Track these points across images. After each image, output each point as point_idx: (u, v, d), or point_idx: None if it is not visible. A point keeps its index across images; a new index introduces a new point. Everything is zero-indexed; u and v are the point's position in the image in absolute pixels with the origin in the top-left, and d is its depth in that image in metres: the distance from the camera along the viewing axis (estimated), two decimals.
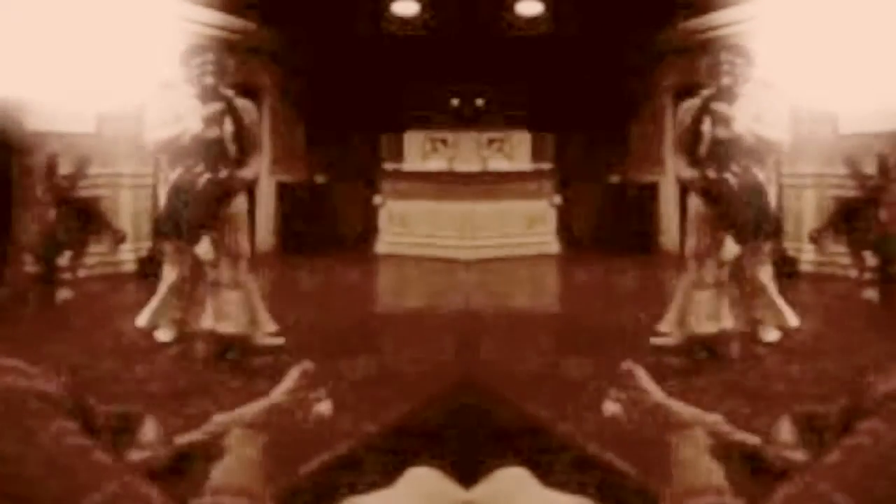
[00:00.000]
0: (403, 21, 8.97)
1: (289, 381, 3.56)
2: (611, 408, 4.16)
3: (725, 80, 4.67)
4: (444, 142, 9.13)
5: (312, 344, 4.85)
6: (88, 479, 1.03)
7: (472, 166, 8.89)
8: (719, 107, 4.64)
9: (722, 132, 4.60)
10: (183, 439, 2.43)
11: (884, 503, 1.02)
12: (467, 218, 8.41)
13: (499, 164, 9.13)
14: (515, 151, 9.36)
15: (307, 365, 4.13)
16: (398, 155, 9.29)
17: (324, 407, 4.17)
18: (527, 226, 8.82)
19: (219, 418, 3.41)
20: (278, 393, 3.80)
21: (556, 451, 3.24)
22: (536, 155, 9.40)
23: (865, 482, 1.04)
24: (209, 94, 4.69)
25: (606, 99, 8.66)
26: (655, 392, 3.96)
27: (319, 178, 8.58)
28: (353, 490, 2.91)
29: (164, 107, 4.70)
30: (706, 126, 4.65)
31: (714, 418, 3.64)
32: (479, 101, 9.11)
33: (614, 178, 8.73)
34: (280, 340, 4.82)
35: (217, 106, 4.66)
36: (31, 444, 1.04)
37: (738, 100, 4.65)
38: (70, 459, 1.06)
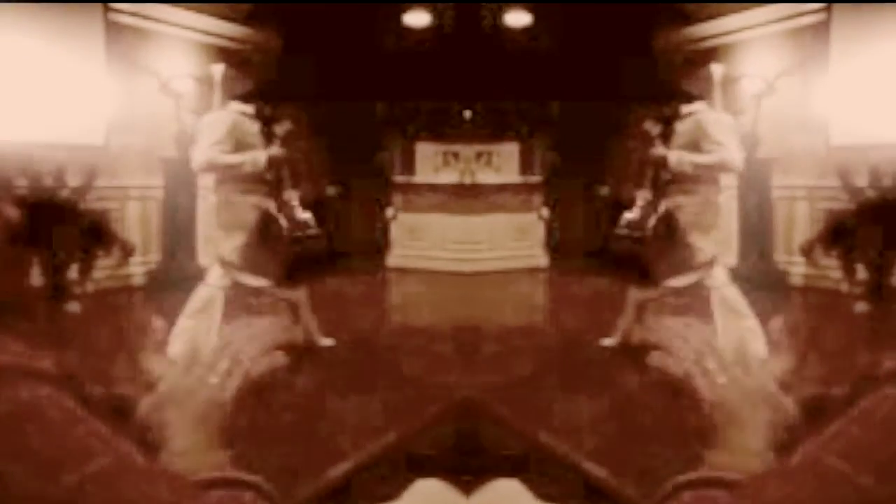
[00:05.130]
0: (415, 34, 9.08)
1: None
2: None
3: (660, 125, 4.80)
4: (455, 155, 9.23)
5: (319, 358, 4.94)
6: (87, 449, 1.03)
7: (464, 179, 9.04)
8: (653, 150, 4.76)
9: (662, 173, 4.74)
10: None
11: (890, 469, 1.03)
12: (471, 230, 8.54)
13: (487, 176, 9.20)
14: (504, 164, 9.49)
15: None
16: (410, 167, 9.41)
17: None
18: (516, 238, 8.95)
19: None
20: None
21: (549, 467, 3.30)
22: (525, 167, 9.53)
23: (870, 449, 1.04)
24: (270, 134, 4.85)
25: (595, 110, 8.75)
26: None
27: (331, 191, 8.64)
28: None
29: (223, 128, 4.77)
30: (648, 163, 4.83)
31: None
32: (468, 114, 9.26)
33: (603, 191, 8.79)
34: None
35: (282, 148, 4.82)
36: (27, 415, 1.03)
37: (679, 129, 4.76)
38: (67, 429, 1.05)
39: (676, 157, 4.69)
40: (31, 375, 1.06)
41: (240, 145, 4.76)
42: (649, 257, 5.06)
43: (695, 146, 4.72)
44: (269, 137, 4.85)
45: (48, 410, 1.05)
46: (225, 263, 4.77)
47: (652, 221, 4.86)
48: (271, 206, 4.83)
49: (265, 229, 4.83)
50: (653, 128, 4.84)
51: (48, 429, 1.02)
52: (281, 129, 4.89)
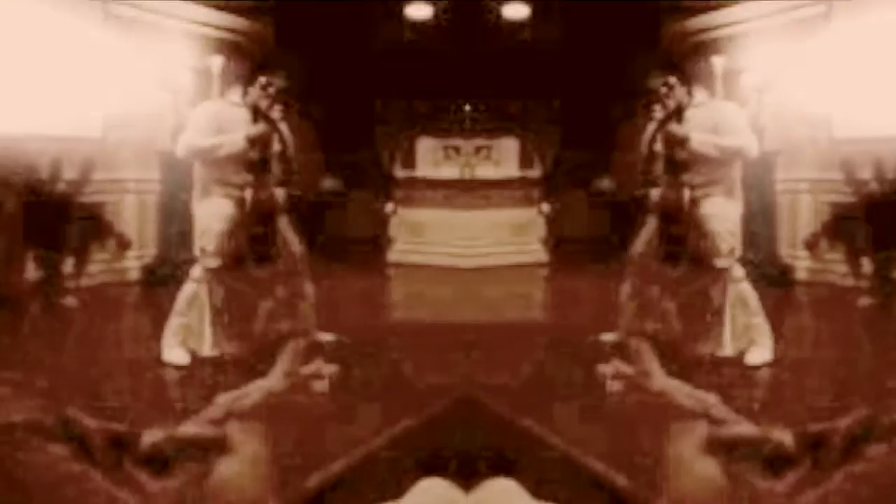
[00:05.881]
0: (417, 29, 9.02)
1: (283, 362, 3.49)
2: (614, 386, 4.27)
3: (672, 102, 4.74)
4: (456, 149, 9.16)
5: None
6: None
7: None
8: (672, 127, 4.69)
9: (678, 153, 4.67)
10: (186, 429, 2.43)
11: None
12: (471, 226, 8.49)
13: (486, 171, 9.09)
14: (503, 159, 9.41)
15: (297, 344, 4.15)
16: (410, 162, 9.34)
17: (320, 385, 4.27)
18: (515, 234, 8.87)
19: (221, 400, 3.45)
20: (276, 376, 3.82)
21: (549, 464, 3.27)
22: (524, 162, 9.41)
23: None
24: (259, 115, 4.79)
25: (596, 107, 8.69)
26: (657, 373, 4.07)
27: (329, 185, 8.57)
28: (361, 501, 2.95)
29: (207, 116, 4.77)
30: (658, 147, 4.75)
31: (712, 400, 3.73)
32: (467, 108, 9.18)
33: (604, 186, 8.72)
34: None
35: (263, 127, 4.75)
36: (21, 477, 0.98)
37: (691, 117, 4.69)
38: (65, 490, 1.00)
39: (699, 137, 4.64)
40: (31, 431, 1.01)
41: (224, 134, 4.75)
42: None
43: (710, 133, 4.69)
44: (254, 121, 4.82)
45: (49, 472, 1.00)
46: (205, 254, 4.76)
47: (686, 198, 4.77)
48: (248, 194, 4.80)
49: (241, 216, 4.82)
50: (671, 101, 4.77)
51: (51, 494, 0.97)
52: (263, 103, 4.83)
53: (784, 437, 2.43)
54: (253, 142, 4.72)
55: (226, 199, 4.75)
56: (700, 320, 4.88)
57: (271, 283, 4.96)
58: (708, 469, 2.83)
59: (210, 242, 4.72)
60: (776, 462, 2.33)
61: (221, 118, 4.79)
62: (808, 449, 2.12)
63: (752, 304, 4.77)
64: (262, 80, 4.86)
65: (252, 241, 4.77)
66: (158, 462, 2.10)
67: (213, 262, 4.75)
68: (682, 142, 4.66)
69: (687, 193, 4.73)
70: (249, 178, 4.75)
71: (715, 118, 4.72)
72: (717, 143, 4.65)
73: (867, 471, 1.10)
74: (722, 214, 4.76)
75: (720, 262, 4.77)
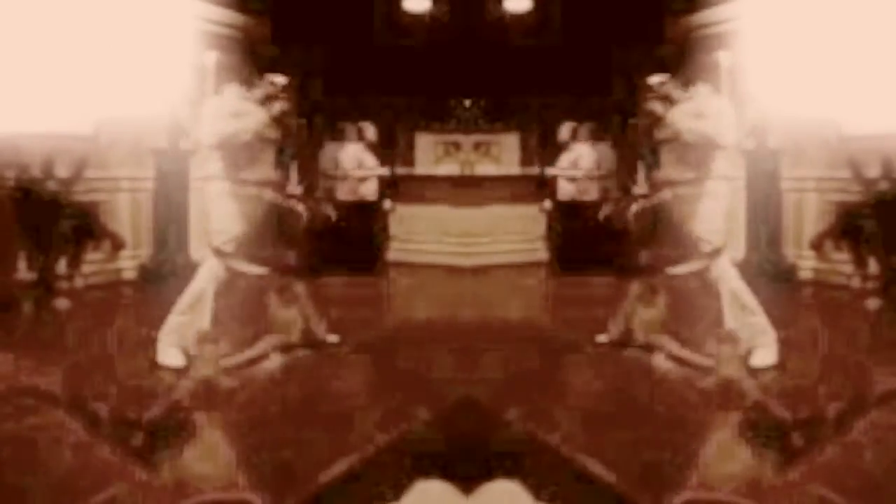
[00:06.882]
0: (416, 22, 8.98)
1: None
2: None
3: (662, 93, 4.77)
4: (456, 145, 9.11)
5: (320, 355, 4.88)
6: (93, 479, 1.02)
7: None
8: (654, 106, 4.75)
9: (656, 133, 4.73)
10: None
11: (879, 497, 1.01)
12: (471, 223, 8.42)
13: (486, 168, 9.03)
14: (504, 155, 9.34)
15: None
16: (409, 159, 9.27)
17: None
18: (517, 231, 8.79)
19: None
20: None
21: (548, 466, 3.25)
22: (525, 158, 9.38)
23: (860, 480, 1.04)
24: (270, 100, 4.81)
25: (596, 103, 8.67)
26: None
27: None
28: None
29: (222, 106, 4.74)
30: (646, 128, 4.81)
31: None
32: (468, 103, 9.14)
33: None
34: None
35: (282, 105, 4.76)
36: (28, 445, 1.02)
37: (682, 107, 4.74)
38: (72, 459, 1.04)
39: (672, 116, 4.68)
40: (40, 398, 1.06)
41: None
42: (639, 248, 5.03)
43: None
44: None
45: (57, 442, 1.06)
46: (220, 253, 4.69)
47: (633, 210, 4.84)
48: (274, 196, 4.78)
49: (274, 220, 4.79)
50: (659, 87, 4.80)
51: (57, 463, 1.01)
52: (273, 89, 4.84)
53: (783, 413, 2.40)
54: (276, 120, 4.74)
55: (244, 198, 4.72)
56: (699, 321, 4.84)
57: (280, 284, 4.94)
58: (709, 468, 2.80)
59: (226, 242, 4.68)
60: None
61: (236, 107, 4.78)
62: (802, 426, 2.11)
63: (749, 303, 4.71)
64: (268, 76, 4.89)
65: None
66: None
67: (229, 262, 4.70)
68: (658, 120, 4.71)
69: (661, 196, 4.77)
70: (268, 175, 4.74)
71: (700, 108, 4.74)
72: (691, 126, 4.67)
73: (854, 441, 1.11)
74: (704, 214, 4.74)
75: (702, 262, 4.74)
